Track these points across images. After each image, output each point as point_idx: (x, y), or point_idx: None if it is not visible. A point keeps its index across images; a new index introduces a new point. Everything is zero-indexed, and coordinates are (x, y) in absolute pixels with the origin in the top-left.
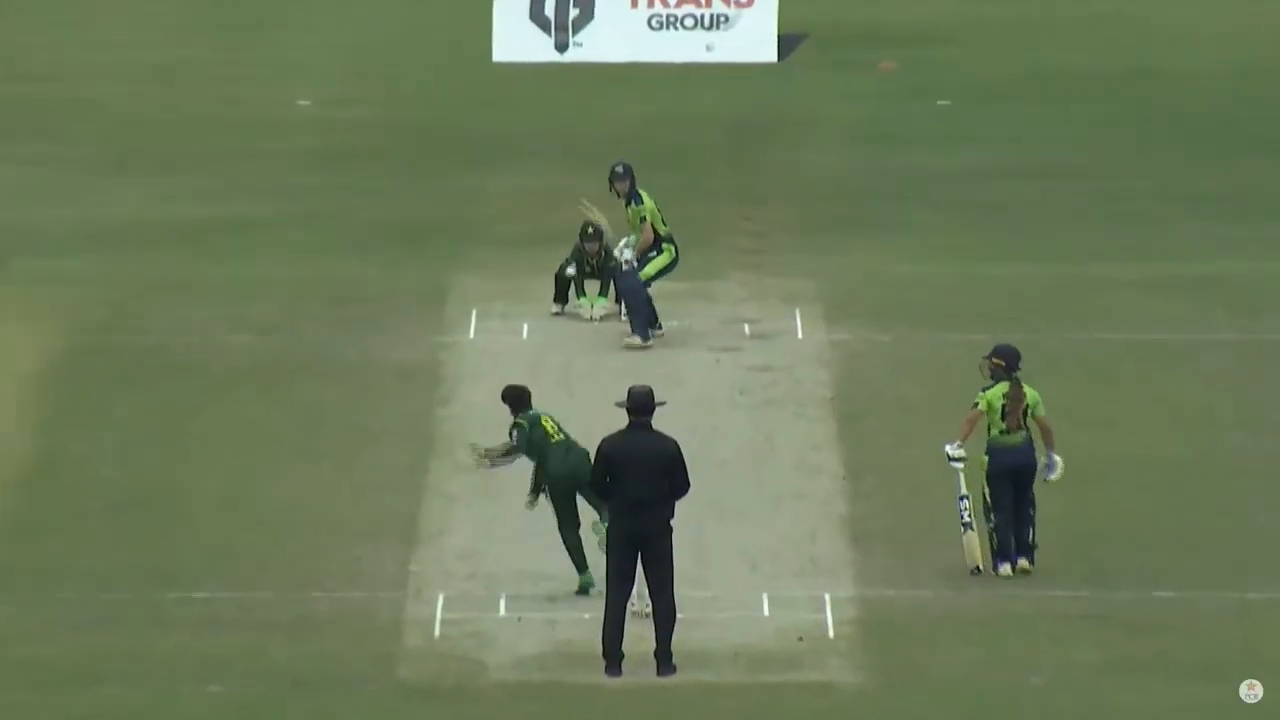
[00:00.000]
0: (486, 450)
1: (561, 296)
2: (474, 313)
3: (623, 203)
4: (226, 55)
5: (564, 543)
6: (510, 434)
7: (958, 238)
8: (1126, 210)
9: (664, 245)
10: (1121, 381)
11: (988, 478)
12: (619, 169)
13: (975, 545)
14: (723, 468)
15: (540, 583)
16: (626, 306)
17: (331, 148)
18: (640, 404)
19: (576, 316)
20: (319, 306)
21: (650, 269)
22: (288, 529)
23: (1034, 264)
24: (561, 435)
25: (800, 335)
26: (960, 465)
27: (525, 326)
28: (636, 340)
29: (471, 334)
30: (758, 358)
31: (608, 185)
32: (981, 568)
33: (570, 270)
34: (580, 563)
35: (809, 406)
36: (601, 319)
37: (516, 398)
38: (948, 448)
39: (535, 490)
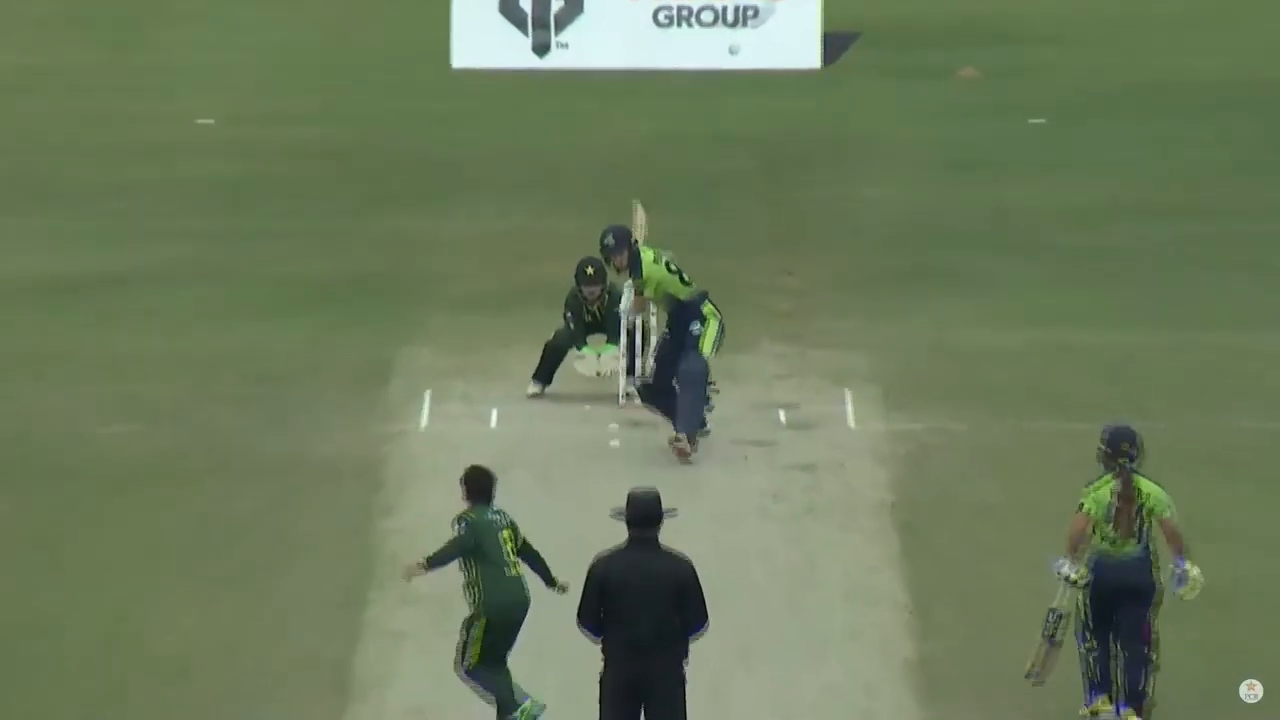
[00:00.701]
0: (425, 560)
1: (545, 375)
2: (427, 395)
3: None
4: (101, 59)
5: (477, 684)
6: (454, 525)
7: (1054, 296)
8: (1271, 261)
9: (704, 309)
10: (1264, 481)
11: (1089, 596)
12: (609, 240)
13: (1044, 654)
14: (752, 597)
15: None
16: (685, 397)
17: (240, 180)
18: (644, 514)
19: (559, 398)
20: (226, 386)
21: (707, 344)
22: (187, 674)
23: (1151, 329)
24: (517, 565)
25: (852, 424)
26: (1080, 584)
27: (494, 412)
28: (686, 445)
29: (424, 422)
30: (797, 454)
31: (602, 258)
32: (1040, 675)
33: (566, 328)
34: (508, 701)
35: (863, 517)
36: (609, 375)
37: (477, 483)
38: (1060, 567)
39: (435, 564)
